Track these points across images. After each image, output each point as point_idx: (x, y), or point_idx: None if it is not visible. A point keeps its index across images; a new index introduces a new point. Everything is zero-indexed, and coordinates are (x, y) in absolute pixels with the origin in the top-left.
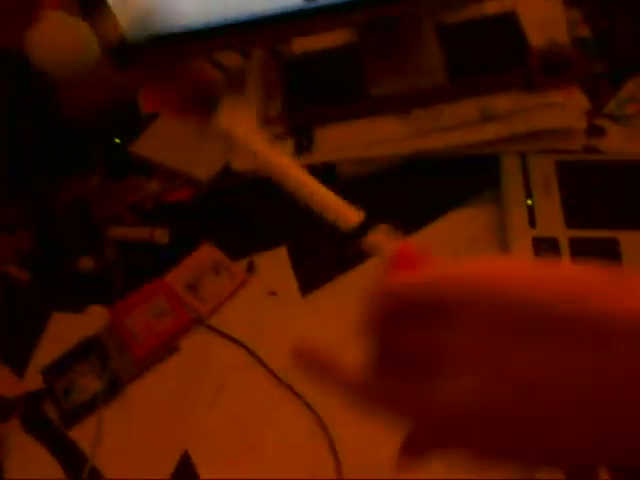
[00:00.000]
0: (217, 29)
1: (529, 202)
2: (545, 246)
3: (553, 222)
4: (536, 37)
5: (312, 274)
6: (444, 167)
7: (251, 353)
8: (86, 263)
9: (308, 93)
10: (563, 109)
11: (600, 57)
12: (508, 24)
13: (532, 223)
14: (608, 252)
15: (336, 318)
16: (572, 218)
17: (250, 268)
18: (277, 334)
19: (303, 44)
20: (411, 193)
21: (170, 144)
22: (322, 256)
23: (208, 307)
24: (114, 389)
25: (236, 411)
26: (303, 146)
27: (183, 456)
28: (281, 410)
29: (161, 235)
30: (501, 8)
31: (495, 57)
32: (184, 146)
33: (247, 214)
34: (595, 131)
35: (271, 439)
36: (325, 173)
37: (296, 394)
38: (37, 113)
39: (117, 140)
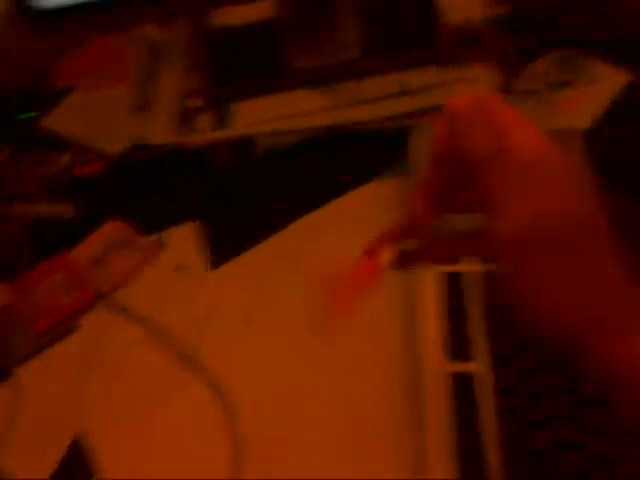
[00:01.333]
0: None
1: None
2: None
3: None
4: (451, 15)
5: (221, 249)
6: (361, 140)
7: (154, 329)
8: None
9: (230, 66)
10: (475, 83)
11: (512, 34)
12: (425, 2)
13: None
14: None
15: (244, 292)
16: None
17: (159, 243)
18: (183, 309)
19: (226, 18)
20: (328, 165)
21: (81, 118)
22: (232, 231)
23: (113, 283)
24: (8, 368)
25: (136, 387)
26: (220, 120)
27: (78, 434)
28: (183, 385)
29: (66, 210)
30: None
31: (413, 33)
32: (95, 120)
33: (157, 188)
34: None
35: (172, 413)
36: (243, 146)
37: (199, 369)
38: None
39: (29, 114)
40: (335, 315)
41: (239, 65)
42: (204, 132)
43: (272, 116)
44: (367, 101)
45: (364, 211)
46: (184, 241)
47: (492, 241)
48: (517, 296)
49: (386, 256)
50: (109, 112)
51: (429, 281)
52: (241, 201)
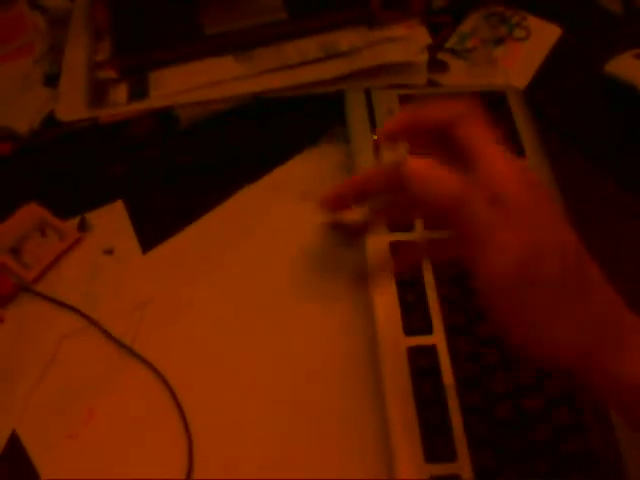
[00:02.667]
0: None
1: (375, 137)
2: None
3: (398, 155)
4: None
5: (152, 229)
6: (290, 107)
7: (86, 317)
8: None
9: (141, 34)
10: (405, 43)
11: None
12: None
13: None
14: None
15: (180, 274)
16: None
17: (82, 226)
18: (116, 295)
19: None
20: (258, 135)
21: None
22: (161, 210)
23: (35, 272)
24: None
25: (72, 381)
26: (138, 91)
27: (11, 437)
28: (123, 375)
29: None
30: None
31: None
32: (1, 97)
33: (76, 168)
34: (438, 65)
35: (113, 406)
36: (164, 119)
37: (139, 357)
38: None
39: None
40: None
41: (150, 32)
42: (120, 105)
43: (191, 85)
44: (291, 67)
45: (302, 182)
46: (112, 222)
47: (481, 276)
48: (509, 332)
49: None
50: (14, 87)
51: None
52: (166, 178)
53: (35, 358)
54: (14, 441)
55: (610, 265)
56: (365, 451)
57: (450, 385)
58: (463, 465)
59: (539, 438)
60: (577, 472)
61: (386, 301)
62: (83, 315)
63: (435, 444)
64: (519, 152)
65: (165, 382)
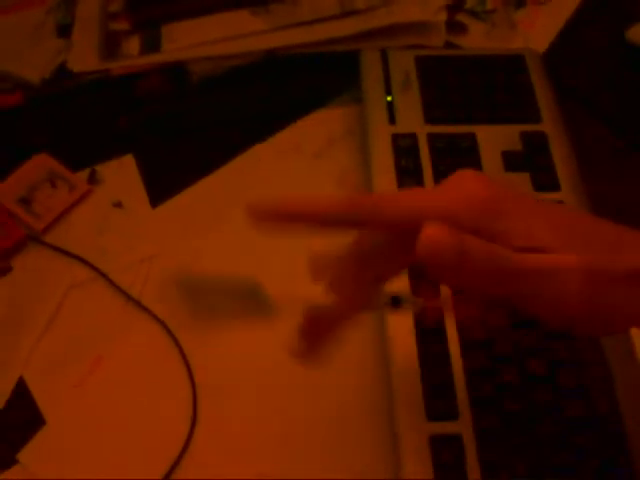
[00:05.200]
0: None
1: (389, 99)
2: (404, 142)
3: (412, 118)
4: None
5: (162, 184)
6: (304, 66)
7: (94, 268)
8: None
9: None
10: (422, 2)
11: None
12: None
13: (392, 120)
14: (465, 146)
15: (189, 229)
16: (431, 114)
17: (92, 178)
18: (124, 248)
19: None
20: (269, 94)
21: None
22: (171, 165)
23: (44, 222)
24: None
25: (78, 331)
26: (151, 44)
27: (18, 383)
28: (129, 327)
29: None
30: None
31: None
32: (12, 45)
33: (87, 120)
34: (456, 27)
35: (118, 357)
36: (177, 73)
37: (146, 309)
38: None
39: None
40: None
41: None
42: (132, 58)
43: (205, 39)
44: (307, 23)
45: (312, 142)
46: (122, 176)
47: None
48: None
49: None
50: (26, 37)
51: None
52: (177, 133)
53: (42, 307)
54: (22, 387)
55: None
56: (366, 408)
57: (455, 345)
58: (465, 424)
59: (542, 400)
60: (579, 435)
61: None
62: (91, 266)
63: (437, 403)
64: (535, 118)
65: (171, 335)
